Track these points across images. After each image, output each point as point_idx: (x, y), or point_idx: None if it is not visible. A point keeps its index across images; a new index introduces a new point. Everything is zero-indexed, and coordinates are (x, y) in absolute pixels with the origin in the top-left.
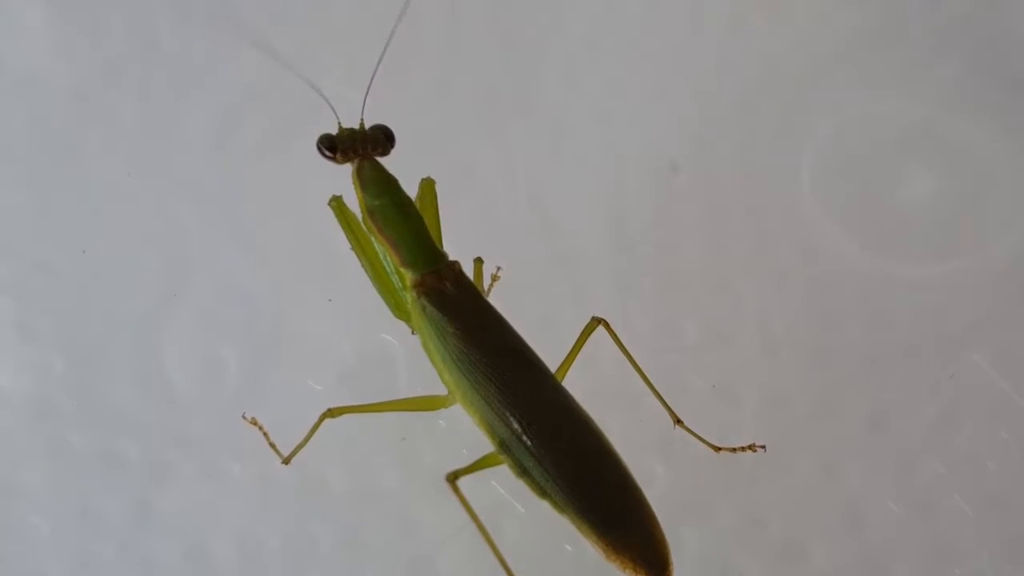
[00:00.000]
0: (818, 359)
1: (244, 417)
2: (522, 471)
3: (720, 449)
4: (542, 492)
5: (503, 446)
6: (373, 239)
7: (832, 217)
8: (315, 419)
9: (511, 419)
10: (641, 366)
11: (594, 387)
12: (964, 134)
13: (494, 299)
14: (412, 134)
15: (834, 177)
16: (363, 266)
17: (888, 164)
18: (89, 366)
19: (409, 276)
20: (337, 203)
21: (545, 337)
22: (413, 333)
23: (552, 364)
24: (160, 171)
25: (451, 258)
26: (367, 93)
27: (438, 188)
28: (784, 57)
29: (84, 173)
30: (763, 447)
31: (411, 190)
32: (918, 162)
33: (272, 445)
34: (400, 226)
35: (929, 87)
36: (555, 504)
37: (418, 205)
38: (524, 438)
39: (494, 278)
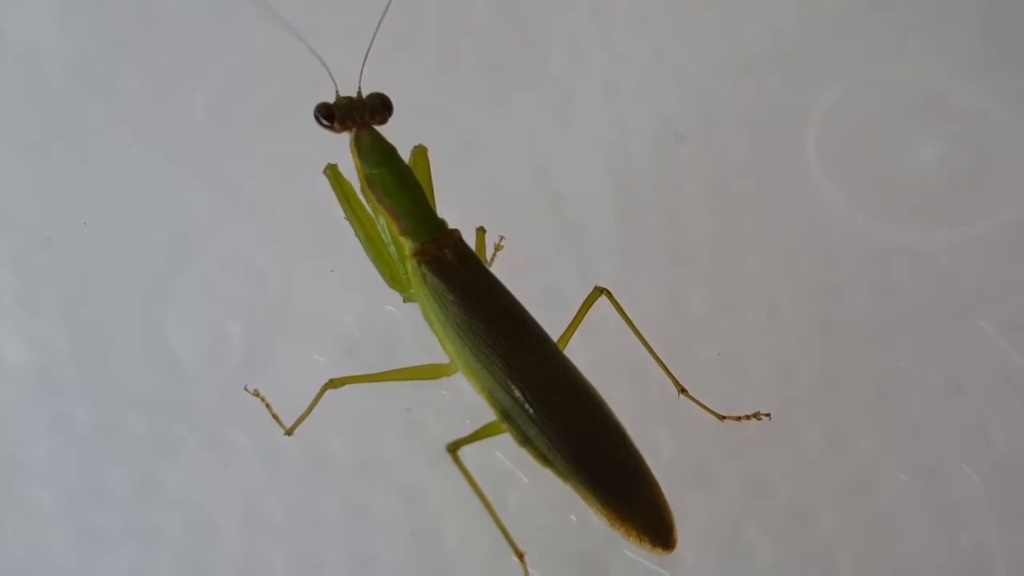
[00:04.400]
0: (825, 328)
1: (246, 389)
2: (524, 439)
3: (725, 418)
4: (545, 460)
5: (505, 415)
6: (371, 208)
7: (838, 186)
8: (318, 387)
9: (512, 387)
10: (646, 337)
11: (599, 357)
12: (971, 101)
13: (497, 269)
14: (415, 105)
15: (840, 146)
16: (358, 235)
17: (894, 132)
18: (93, 339)
19: (408, 245)
20: (332, 171)
21: (549, 308)
22: (406, 302)
23: (555, 334)
24: (162, 144)
25: (451, 227)
26: (364, 60)
27: (443, 158)
28: (790, 25)
29: (86, 146)
30: (768, 415)
31: (404, 155)
32: (924, 130)
33: (275, 416)
34: (399, 195)
35: (936, 54)
36: (558, 472)
37: (413, 167)
38: (526, 406)
39: (497, 248)
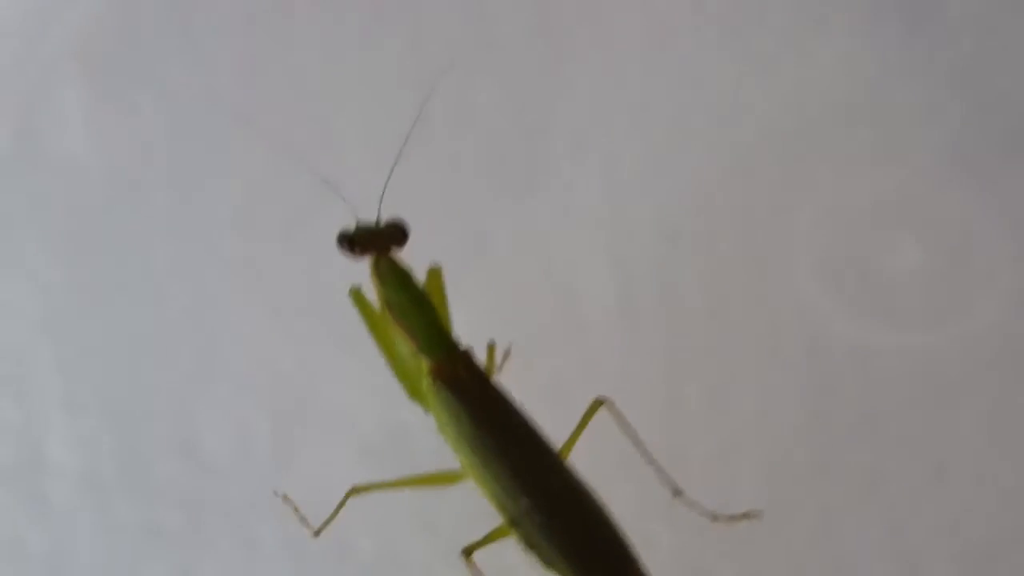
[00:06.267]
0: (814, 422)
1: (275, 493)
2: (530, 545)
3: (717, 518)
4: (548, 564)
5: (512, 521)
6: (390, 327)
7: (823, 283)
8: (341, 486)
9: (520, 496)
10: (645, 431)
11: (601, 452)
12: (952, 203)
13: (506, 369)
14: (425, 203)
15: (826, 244)
16: (381, 351)
17: (876, 232)
18: (133, 439)
19: (425, 362)
20: (356, 294)
21: (554, 403)
22: (427, 413)
23: (559, 432)
24: (191, 250)
25: (464, 346)
26: (383, 192)
27: (449, 258)
28: (780, 124)
29: (121, 255)
30: (758, 514)
31: (420, 266)
32: (905, 230)
33: (303, 519)
34: (415, 317)
35: (917, 155)
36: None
37: (428, 286)
38: (531, 514)
39: (506, 355)
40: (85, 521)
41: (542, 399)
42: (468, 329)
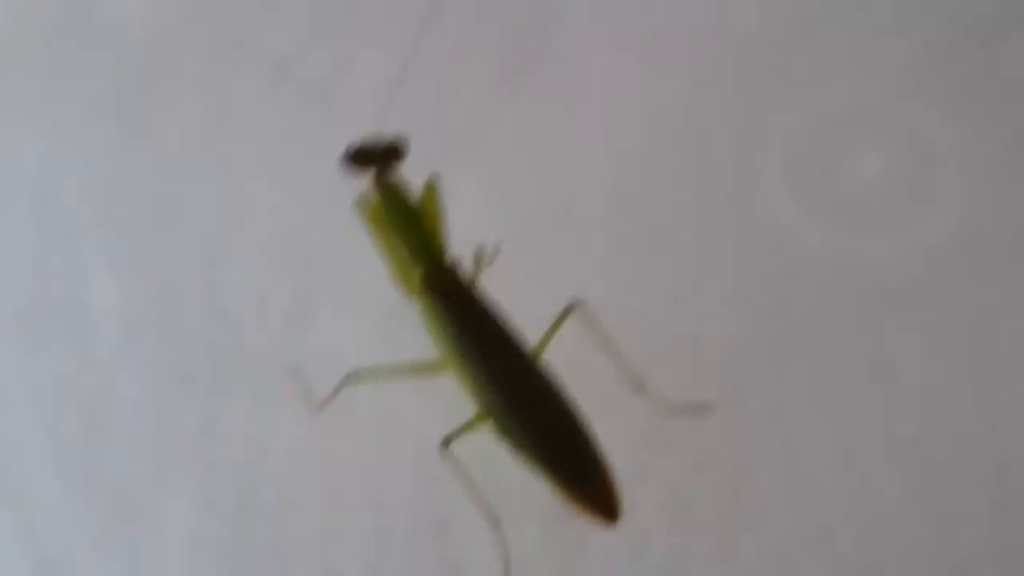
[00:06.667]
0: (774, 318)
1: (286, 369)
2: (502, 432)
3: (676, 408)
4: (517, 450)
5: (487, 410)
6: (388, 237)
7: (791, 188)
8: (352, 346)
9: (493, 392)
10: (621, 318)
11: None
12: (914, 114)
13: (497, 263)
14: (428, 95)
15: (794, 149)
16: (382, 255)
17: (841, 140)
18: (167, 293)
19: (416, 271)
20: (362, 200)
21: (541, 294)
22: (418, 313)
23: (541, 324)
24: (229, 117)
25: (451, 257)
26: (387, 105)
27: (449, 148)
28: (762, 31)
29: (161, 117)
30: (712, 406)
31: (422, 167)
32: (867, 144)
33: (307, 396)
34: (408, 231)
35: (882, 71)
36: (527, 460)
37: (424, 199)
38: (503, 407)
39: (494, 253)
40: (124, 364)
41: (528, 291)
42: (463, 220)
